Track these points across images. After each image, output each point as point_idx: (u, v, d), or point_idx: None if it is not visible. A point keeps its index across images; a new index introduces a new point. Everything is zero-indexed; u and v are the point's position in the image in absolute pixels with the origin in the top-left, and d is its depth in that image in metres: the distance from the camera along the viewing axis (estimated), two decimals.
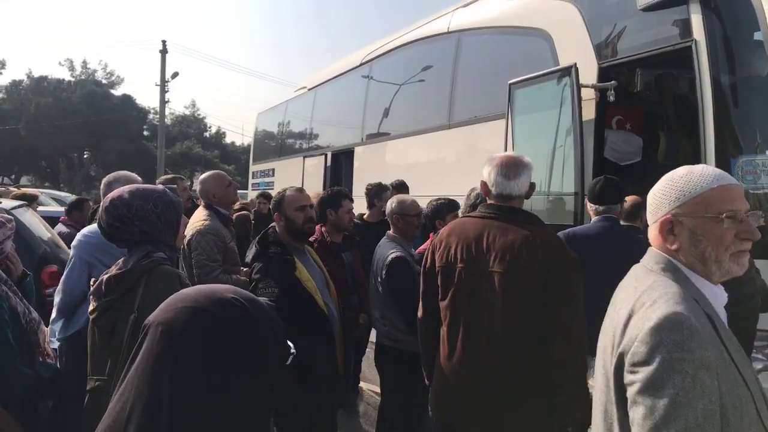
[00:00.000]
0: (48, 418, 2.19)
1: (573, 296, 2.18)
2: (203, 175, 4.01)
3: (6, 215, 2.42)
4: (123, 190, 2.01)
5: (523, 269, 2.19)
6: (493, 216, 2.37)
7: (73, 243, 2.85)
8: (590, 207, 3.49)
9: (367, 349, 4.88)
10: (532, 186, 2.43)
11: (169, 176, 5.01)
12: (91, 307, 1.95)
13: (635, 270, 1.48)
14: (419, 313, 2.64)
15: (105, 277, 1.93)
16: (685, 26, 3.89)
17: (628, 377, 1.26)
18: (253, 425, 1.00)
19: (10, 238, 2.40)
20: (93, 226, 2.61)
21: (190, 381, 0.95)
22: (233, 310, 1.02)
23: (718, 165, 3.49)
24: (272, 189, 10.75)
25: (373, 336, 3.94)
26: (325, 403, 3.16)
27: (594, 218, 3.45)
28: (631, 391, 1.25)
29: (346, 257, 3.84)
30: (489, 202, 2.46)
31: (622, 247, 3.10)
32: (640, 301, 1.32)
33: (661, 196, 1.42)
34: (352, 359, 4.39)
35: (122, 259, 1.98)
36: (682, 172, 1.41)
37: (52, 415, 2.20)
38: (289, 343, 1.10)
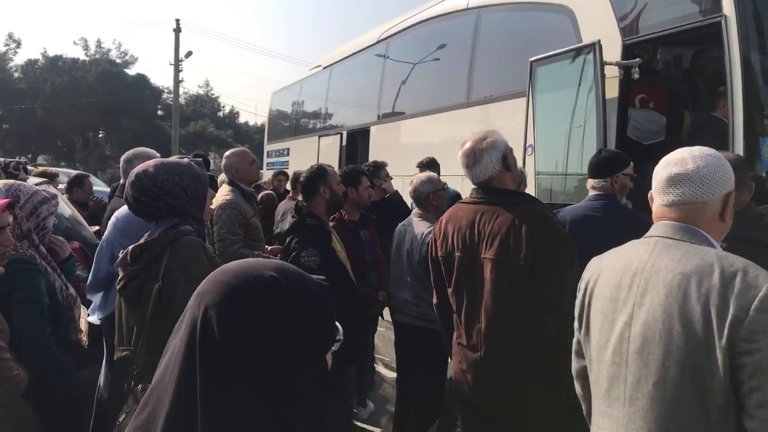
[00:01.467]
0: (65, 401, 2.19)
1: (561, 274, 2.16)
2: (229, 151, 4.13)
3: (51, 190, 2.43)
4: (148, 164, 2.00)
5: (511, 253, 2.20)
6: (482, 200, 2.37)
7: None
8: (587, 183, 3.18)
9: (380, 328, 4.91)
10: (504, 160, 2.35)
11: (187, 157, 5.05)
12: (118, 279, 1.97)
13: (664, 246, 1.48)
14: (434, 300, 2.67)
15: (131, 247, 1.94)
16: (714, 1, 3.78)
17: (744, 346, 1.28)
18: (277, 408, 0.95)
19: (53, 215, 2.41)
20: (124, 209, 2.62)
21: (217, 356, 0.92)
22: (267, 288, 0.96)
23: (746, 145, 3.45)
24: (287, 168, 10.74)
25: (387, 315, 3.96)
26: (345, 376, 3.22)
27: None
28: (752, 359, 1.27)
29: (363, 235, 3.86)
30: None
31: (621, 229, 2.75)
32: (724, 272, 1.34)
33: (728, 174, 1.49)
34: (370, 336, 4.44)
35: (149, 232, 1.98)
36: (721, 154, 1.52)
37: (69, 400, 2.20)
38: (338, 326, 1.04)
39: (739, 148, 3.41)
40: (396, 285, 3.63)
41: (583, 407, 1.81)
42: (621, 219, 2.86)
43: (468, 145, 2.39)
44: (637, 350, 1.43)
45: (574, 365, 1.79)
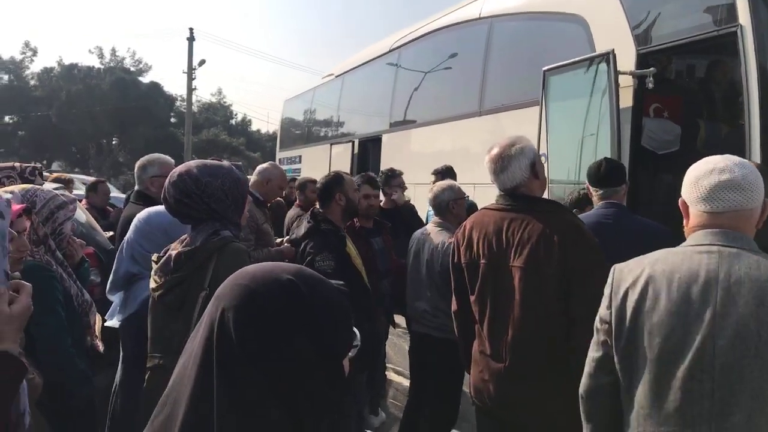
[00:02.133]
0: (82, 407, 2.19)
1: (594, 284, 2.08)
2: (272, 164, 4.40)
3: (70, 195, 2.43)
4: (190, 165, 1.97)
5: (542, 264, 2.16)
6: (510, 208, 2.33)
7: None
8: (591, 191, 3.12)
9: (392, 336, 4.89)
10: (533, 167, 2.31)
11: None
12: (154, 284, 1.92)
13: (731, 255, 1.45)
14: (453, 308, 2.63)
15: (174, 253, 1.90)
16: (730, 11, 3.76)
17: None
18: (293, 413, 0.94)
19: (70, 220, 2.40)
20: (144, 212, 2.62)
21: (234, 358, 0.92)
22: (285, 292, 0.96)
23: (763, 155, 3.41)
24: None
25: (402, 322, 3.94)
26: (357, 382, 3.23)
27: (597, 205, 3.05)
28: None
29: (376, 243, 3.83)
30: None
31: (632, 237, 2.74)
32: None
33: (762, 181, 1.49)
34: (382, 342, 4.43)
35: (187, 236, 1.95)
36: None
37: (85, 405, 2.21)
38: (356, 332, 1.03)
39: (756, 157, 3.38)
40: (414, 295, 3.58)
41: (589, 426, 1.71)
42: (632, 227, 2.84)
43: (496, 150, 2.35)
44: (729, 364, 1.37)
45: (594, 382, 1.68)
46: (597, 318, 1.65)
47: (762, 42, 3.60)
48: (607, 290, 1.63)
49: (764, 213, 1.51)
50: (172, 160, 3.46)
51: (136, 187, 3.60)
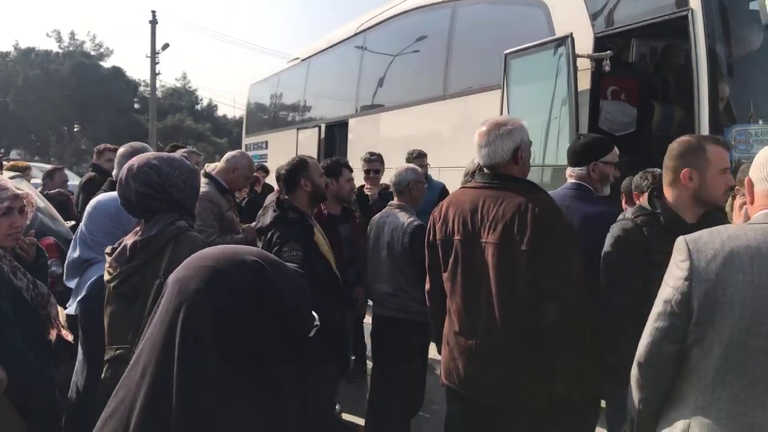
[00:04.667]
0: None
1: (565, 262, 2.15)
2: (241, 152, 4.29)
3: (24, 185, 2.34)
4: (147, 156, 1.94)
5: (514, 239, 2.17)
6: (488, 185, 2.34)
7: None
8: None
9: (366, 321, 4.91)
10: (515, 152, 2.31)
11: (184, 149, 5.02)
12: (108, 276, 1.90)
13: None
14: (427, 286, 2.63)
15: (129, 242, 1.88)
16: None
17: None
18: (268, 389, 0.95)
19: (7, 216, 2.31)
20: (95, 199, 2.60)
21: (202, 344, 0.91)
22: (253, 273, 0.96)
23: (711, 134, 3.54)
24: (266, 161, 10.71)
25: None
26: (327, 369, 3.23)
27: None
28: None
29: (343, 230, 3.81)
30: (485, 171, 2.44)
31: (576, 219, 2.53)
32: None
33: None
34: (352, 328, 4.43)
35: (140, 227, 1.92)
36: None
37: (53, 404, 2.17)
38: (314, 314, 1.04)
39: None
40: (374, 278, 3.56)
41: (644, 392, 1.74)
42: (585, 210, 2.69)
43: (484, 127, 2.36)
44: None
45: (657, 350, 1.67)
46: (669, 289, 1.65)
47: (712, 26, 3.71)
48: (683, 263, 1.62)
49: None
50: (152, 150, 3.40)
51: (114, 172, 3.47)
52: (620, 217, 2.34)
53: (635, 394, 1.76)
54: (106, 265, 1.94)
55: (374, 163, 4.93)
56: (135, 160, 1.94)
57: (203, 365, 0.91)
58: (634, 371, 1.76)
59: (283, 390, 0.96)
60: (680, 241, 1.65)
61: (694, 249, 1.61)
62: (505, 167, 2.33)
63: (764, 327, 1.50)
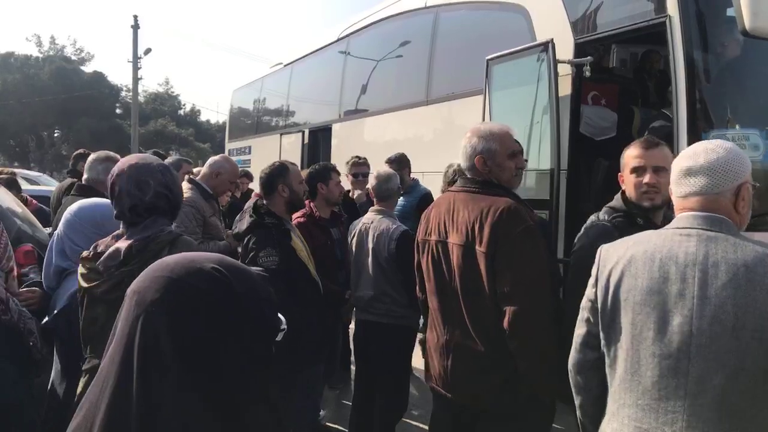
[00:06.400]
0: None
1: (522, 265, 2.17)
2: (223, 157, 4.29)
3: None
4: (137, 159, 1.94)
5: (476, 241, 2.24)
6: (464, 189, 2.42)
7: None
8: None
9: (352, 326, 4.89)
10: (474, 158, 2.37)
11: (174, 158, 4.99)
12: (88, 282, 1.85)
13: (708, 238, 1.48)
14: (417, 291, 2.72)
15: (123, 246, 1.83)
16: (660, 2, 3.91)
17: None
18: (231, 399, 0.93)
19: None
20: (75, 205, 2.54)
21: (160, 354, 0.89)
22: (211, 281, 0.94)
23: (689, 139, 3.58)
24: (249, 167, 10.64)
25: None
26: (312, 375, 3.22)
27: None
28: None
29: (334, 233, 3.83)
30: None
31: None
32: None
33: (739, 166, 1.52)
34: (340, 334, 4.40)
35: (124, 233, 1.89)
36: (735, 146, 1.57)
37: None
38: (281, 317, 1.02)
39: (684, 144, 3.55)
40: (357, 285, 3.55)
41: (579, 399, 1.77)
42: None
43: (469, 132, 2.44)
44: (705, 344, 1.41)
45: (581, 357, 1.73)
46: (584, 297, 1.70)
47: (689, 32, 3.76)
48: (593, 270, 1.67)
49: (741, 196, 1.52)
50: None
51: (86, 176, 3.42)
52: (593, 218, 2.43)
53: (574, 400, 1.80)
54: (82, 270, 1.89)
55: (363, 167, 4.94)
56: (128, 165, 1.93)
57: (162, 378, 0.89)
58: (570, 378, 1.79)
59: (241, 408, 0.95)
60: (599, 249, 1.70)
61: (603, 257, 1.66)
62: (472, 171, 2.41)
63: (650, 332, 1.50)
